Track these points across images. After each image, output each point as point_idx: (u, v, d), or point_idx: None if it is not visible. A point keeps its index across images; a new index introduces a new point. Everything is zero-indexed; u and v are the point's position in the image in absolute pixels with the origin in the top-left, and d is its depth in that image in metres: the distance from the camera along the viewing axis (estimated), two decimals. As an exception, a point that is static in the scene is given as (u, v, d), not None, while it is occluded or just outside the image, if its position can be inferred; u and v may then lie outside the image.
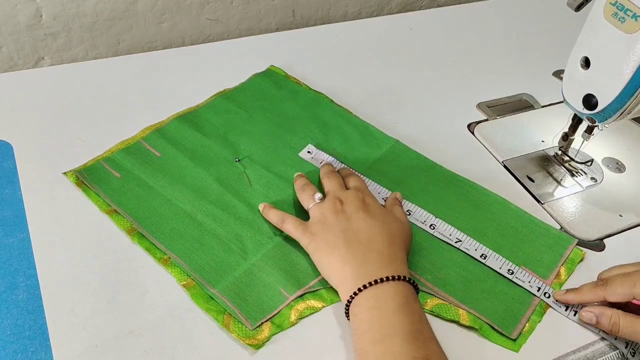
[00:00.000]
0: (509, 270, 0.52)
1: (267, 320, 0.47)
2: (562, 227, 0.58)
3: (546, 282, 0.52)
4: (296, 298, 0.49)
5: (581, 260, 0.54)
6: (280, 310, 0.48)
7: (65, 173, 0.58)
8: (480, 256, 0.53)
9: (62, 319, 0.47)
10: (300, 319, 0.48)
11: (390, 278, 0.46)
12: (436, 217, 0.56)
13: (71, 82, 0.72)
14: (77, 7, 0.77)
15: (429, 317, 0.48)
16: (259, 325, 0.47)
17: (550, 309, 0.50)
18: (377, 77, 0.78)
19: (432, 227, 0.55)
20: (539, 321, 0.49)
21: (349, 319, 0.47)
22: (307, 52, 0.82)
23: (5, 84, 0.71)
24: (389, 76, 0.78)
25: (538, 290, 0.51)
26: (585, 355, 0.48)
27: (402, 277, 0.46)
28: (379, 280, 0.45)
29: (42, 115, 0.67)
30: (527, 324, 0.49)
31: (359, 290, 0.45)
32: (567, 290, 0.50)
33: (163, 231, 0.53)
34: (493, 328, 0.48)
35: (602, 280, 0.48)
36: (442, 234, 0.55)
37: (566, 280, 0.53)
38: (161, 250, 0.52)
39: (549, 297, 0.50)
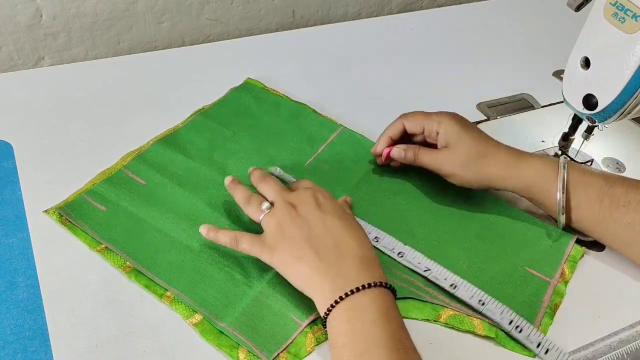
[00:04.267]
0: (479, 301, 0.49)
1: (283, 350, 0.45)
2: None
3: (552, 281, 0.52)
4: (310, 323, 0.47)
5: (582, 256, 0.54)
6: (294, 338, 0.46)
7: (46, 211, 0.54)
8: (450, 286, 0.50)
9: (62, 319, 0.47)
10: (317, 344, 0.46)
11: (368, 285, 0.43)
12: (430, 259, 0.52)
13: (71, 82, 0.72)
14: (77, 7, 0.77)
15: (444, 329, 0.48)
16: (275, 357, 0.45)
17: (559, 309, 0.50)
18: (377, 77, 0.78)
19: (426, 271, 0.52)
20: (551, 324, 0.49)
21: (325, 329, 0.44)
22: (307, 53, 0.82)
23: (5, 84, 0.71)
24: (389, 76, 0.78)
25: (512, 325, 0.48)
26: (585, 355, 0.48)
27: (380, 284, 0.44)
28: (355, 290, 0.43)
29: (42, 115, 0.67)
30: (540, 327, 0.48)
31: (336, 302, 0.43)
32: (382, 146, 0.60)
33: (160, 265, 0.50)
34: (508, 335, 0.48)
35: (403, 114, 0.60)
36: (437, 277, 0.51)
37: (571, 278, 0.53)
38: (161, 287, 0.49)
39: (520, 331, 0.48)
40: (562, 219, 0.53)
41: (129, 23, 0.82)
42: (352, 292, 0.43)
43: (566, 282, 0.52)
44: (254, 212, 0.50)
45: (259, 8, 0.89)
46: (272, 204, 0.50)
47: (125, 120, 0.67)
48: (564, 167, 0.52)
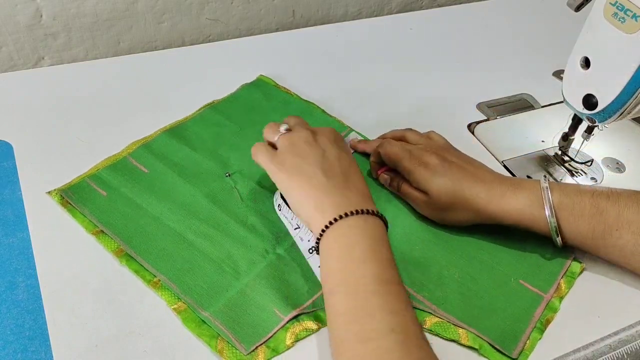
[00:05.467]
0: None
1: (262, 344, 0.46)
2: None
3: (546, 296, 0.51)
4: (291, 319, 0.47)
5: (581, 272, 0.53)
6: (275, 332, 0.46)
7: (49, 192, 0.56)
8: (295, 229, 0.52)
9: (62, 319, 0.47)
10: (297, 341, 0.46)
11: (370, 211, 0.46)
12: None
13: (71, 82, 0.72)
14: (77, 7, 0.77)
15: (429, 336, 0.47)
16: (253, 350, 0.45)
17: (551, 324, 0.49)
18: (377, 77, 0.78)
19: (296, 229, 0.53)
20: (540, 338, 0.48)
21: (317, 250, 0.47)
22: (307, 52, 0.82)
23: (5, 84, 0.71)
24: (389, 76, 0.78)
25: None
26: (585, 355, 0.48)
27: (376, 213, 0.47)
28: (360, 211, 0.46)
29: (42, 115, 0.67)
30: (527, 342, 0.47)
31: (340, 217, 0.45)
32: (360, 141, 0.63)
33: (152, 252, 0.51)
34: (493, 347, 0.47)
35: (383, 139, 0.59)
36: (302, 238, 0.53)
37: (567, 293, 0.52)
38: (150, 273, 0.50)
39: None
40: (559, 241, 0.51)
41: (129, 23, 0.82)
42: (356, 212, 0.45)
43: (561, 298, 0.51)
44: (272, 132, 0.53)
45: (259, 8, 0.89)
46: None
47: (125, 120, 0.67)
48: (550, 207, 0.50)
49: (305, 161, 0.49)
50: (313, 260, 0.51)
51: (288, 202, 0.50)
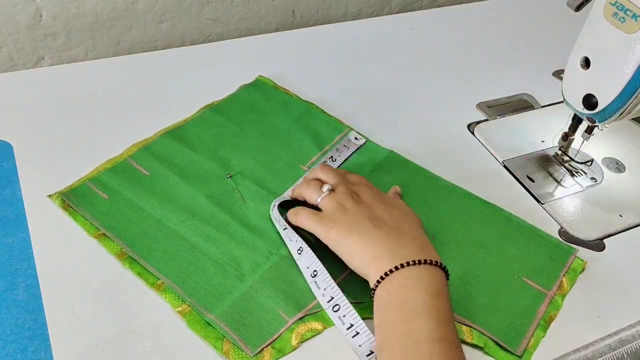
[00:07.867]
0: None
1: (268, 345, 0.46)
2: (562, 228, 0.58)
3: (549, 293, 0.51)
4: (297, 321, 0.48)
5: (582, 270, 0.53)
6: (280, 334, 0.47)
7: (50, 196, 0.56)
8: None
9: (62, 319, 0.47)
10: (302, 342, 0.47)
11: (428, 262, 0.45)
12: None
13: (71, 82, 0.72)
14: (77, 7, 0.77)
15: None
16: (259, 351, 0.45)
17: (554, 321, 0.49)
18: (376, 77, 0.78)
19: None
20: (543, 336, 0.48)
21: (372, 297, 0.45)
22: (307, 52, 0.82)
23: (5, 84, 0.71)
24: (389, 76, 0.78)
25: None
26: (585, 355, 0.48)
27: (437, 263, 0.45)
28: (417, 262, 0.44)
29: (42, 115, 0.67)
30: (531, 339, 0.48)
31: (396, 268, 0.44)
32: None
33: (155, 254, 0.51)
34: (498, 344, 0.47)
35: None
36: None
37: (569, 290, 0.52)
38: (154, 275, 0.50)
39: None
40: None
41: (129, 23, 0.82)
42: (412, 263, 0.44)
43: (563, 295, 0.51)
44: (314, 193, 0.53)
45: (259, 8, 0.89)
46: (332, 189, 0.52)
47: (125, 120, 0.67)
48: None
49: (355, 219, 0.48)
50: (302, 261, 0.51)
51: (344, 260, 0.48)
